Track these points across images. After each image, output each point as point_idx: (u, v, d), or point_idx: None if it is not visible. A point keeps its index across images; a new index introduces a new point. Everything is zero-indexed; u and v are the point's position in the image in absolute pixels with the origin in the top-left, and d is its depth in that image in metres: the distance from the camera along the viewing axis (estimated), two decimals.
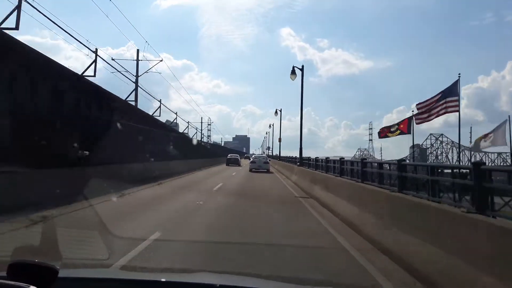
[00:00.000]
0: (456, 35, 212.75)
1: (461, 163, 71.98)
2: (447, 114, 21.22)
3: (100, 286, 1.84)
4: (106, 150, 13.25)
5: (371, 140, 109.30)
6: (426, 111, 21.56)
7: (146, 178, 15.82)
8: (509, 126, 29.64)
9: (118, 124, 15.11)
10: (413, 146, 62.02)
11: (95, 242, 5.37)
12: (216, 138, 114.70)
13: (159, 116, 24.48)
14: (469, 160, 77.66)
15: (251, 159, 35.45)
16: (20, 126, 8.92)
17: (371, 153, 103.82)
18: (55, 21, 9.95)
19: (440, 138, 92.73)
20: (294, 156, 30.54)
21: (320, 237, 6.81)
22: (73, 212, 8.17)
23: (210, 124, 78.29)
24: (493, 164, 67.41)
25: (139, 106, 21.23)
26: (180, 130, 44.84)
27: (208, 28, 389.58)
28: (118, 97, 19.01)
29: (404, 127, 24.35)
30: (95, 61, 12.57)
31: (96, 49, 13.38)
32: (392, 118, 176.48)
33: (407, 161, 24.73)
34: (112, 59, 26.44)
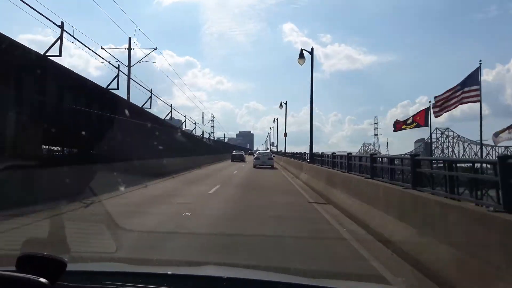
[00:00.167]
0: (459, 29, 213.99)
1: (468, 157, 67.63)
2: (469, 104, 19.35)
3: (108, 276, 1.85)
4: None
5: (377, 135, 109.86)
6: (444, 103, 19.86)
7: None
8: None
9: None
10: (430, 139, 59.61)
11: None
12: (219, 134, 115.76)
13: (150, 108, 23.03)
14: (475, 154, 75.99)
15: (255, 155, 35.54)
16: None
17: (376, 148, 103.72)
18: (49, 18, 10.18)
19: (446, 132, 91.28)
20: (300, 152, 30.01)
21: None
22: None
23: (212, 120, 78.81)
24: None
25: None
26: (187, 128, 46.72)
27: (210, 25, 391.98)
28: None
29: (421, 119, 22.68)
30: (60, 37, 11.59)
31: (62, 22, 11.67)
32: (396, 112, 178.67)
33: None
34: (102, 48, 28.31)
